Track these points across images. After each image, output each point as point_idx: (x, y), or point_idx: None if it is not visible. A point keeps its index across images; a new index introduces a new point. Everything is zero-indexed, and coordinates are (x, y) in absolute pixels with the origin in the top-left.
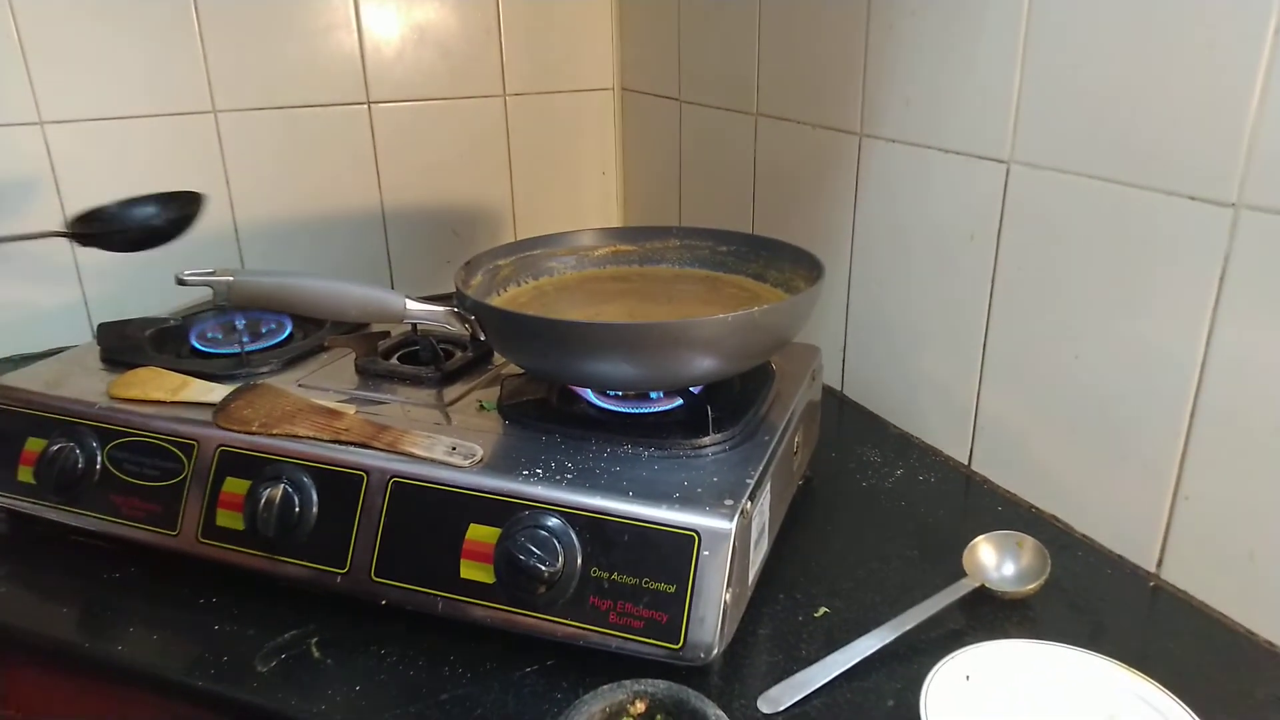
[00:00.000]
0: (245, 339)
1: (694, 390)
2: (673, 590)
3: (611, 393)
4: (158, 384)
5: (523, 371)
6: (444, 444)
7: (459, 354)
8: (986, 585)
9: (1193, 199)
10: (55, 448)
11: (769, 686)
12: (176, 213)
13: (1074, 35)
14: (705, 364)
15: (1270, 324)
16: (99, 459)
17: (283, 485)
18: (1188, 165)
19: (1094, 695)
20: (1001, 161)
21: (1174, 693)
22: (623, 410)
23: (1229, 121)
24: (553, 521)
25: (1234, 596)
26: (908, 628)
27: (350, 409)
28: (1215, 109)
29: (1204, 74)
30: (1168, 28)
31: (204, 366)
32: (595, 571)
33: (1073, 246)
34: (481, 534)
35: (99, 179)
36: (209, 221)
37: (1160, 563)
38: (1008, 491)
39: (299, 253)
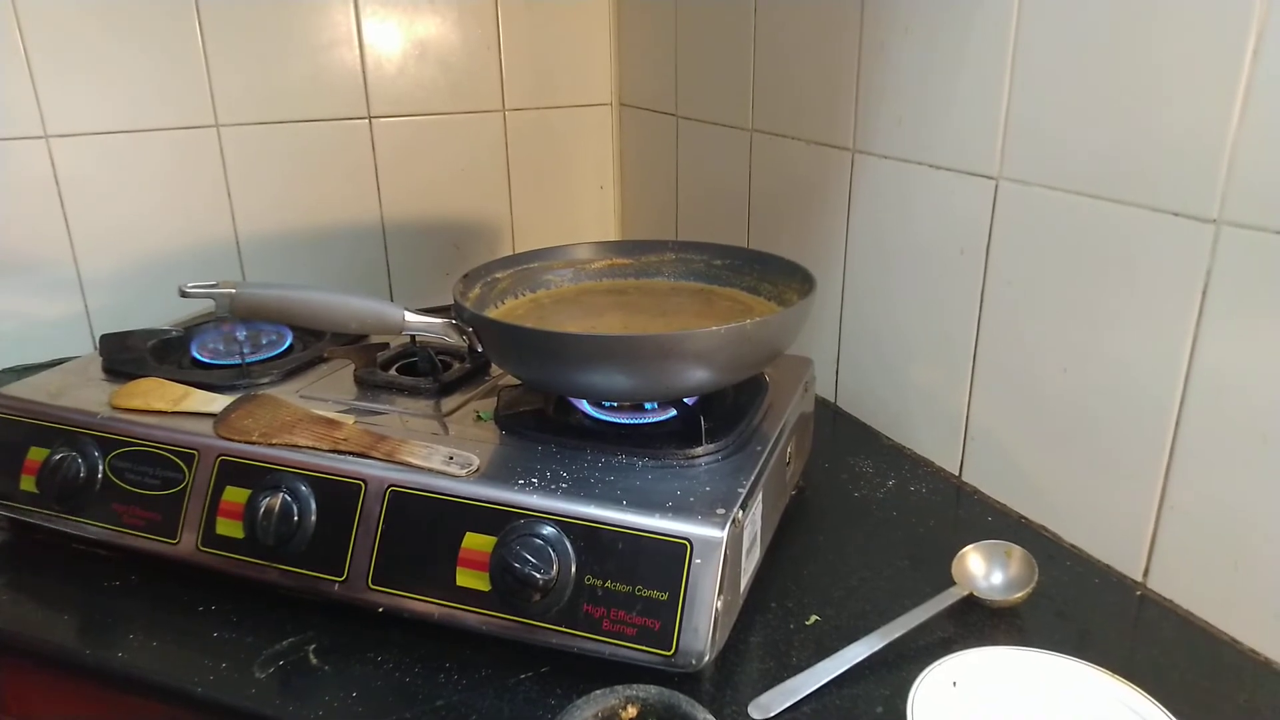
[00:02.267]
0: (246, 350)
1: (688, 401)
2: (665, 598)
3: (607, 404)
4: (159, 394)
5: (519, 383)
6: (441, 454)
7: (457, 365)
8: (975, 594)
9: (1176, 215)
10: (57, 457)
11: (760, 693)
12: None
13: (1060, 54)
14: (699, 375)
15: (1251, 337)
16: (100, 468)
17: (282, 494)
18: (1170, 182)
19: (1079, 702)
20: (990, 178)
21: (1159, 699)
22: (617, 421)
23: (1210, 139)
24: (548, 530)
25: (1219, 605)
26: (897, 635)
27: (349, 419)
28: (1197, 126)
29: (1186, 92)
30: (1151, 47)
31: (205, 377)
32: (589, 579)
33: (1060, 261)
34: (477, 542)
35: (103, 193)
36: (211, 234)
37: (1146, 572)
38: (997, 502)
39: (300, 265)
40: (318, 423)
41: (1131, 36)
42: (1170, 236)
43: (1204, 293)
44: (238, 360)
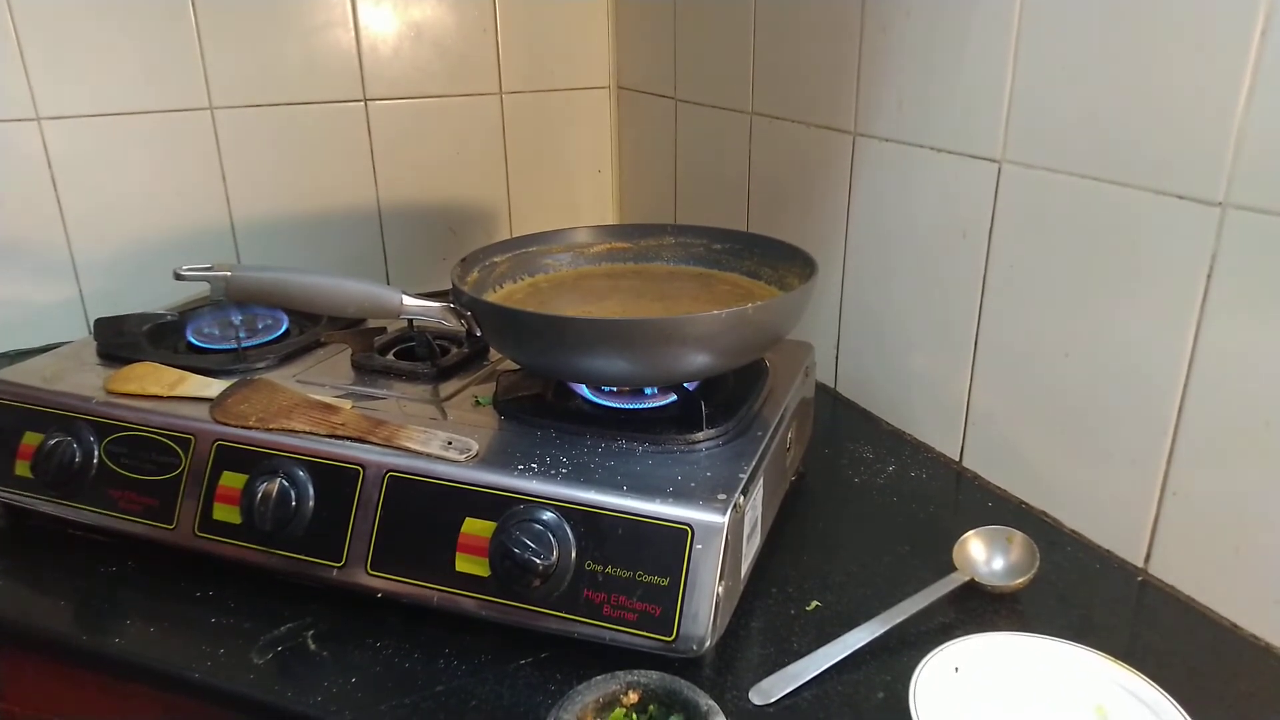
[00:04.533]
0: (242, 334)
1: (688, 386)
2: (666, 583)
3: (606, 388)
4: (155, 379)
5: (518, 367)
6: (440, 439)
7: (455, 350)
8: (976, 580)
9: (1181, 198)
10: (52, 442)
11: (761, 678)
12: None
13: (1065, 36)
14: (699, 360)
15: (1256, 322)
16: (96, 453)
17: (279, 479)
18: (1176, 165)
19: (1081, 687)
20: (993, 161)
21: (1160, 685)
22: (617, 406)
23: (1216, 122)
24: (548, 515)
25: (1220, 591)
26: (898, 621)
27: (346, 404)
28: (1203, 109)
29: (1192, 75)
30: (1157, 29)
31: (201, 362)
32: (589, 565)
33: (1063, 244)
34: (477, 528)
35: (96, 175)
36: (205, 218)
37: (1148, 558)
38: (998, 487)
39: (295, 249)
40: (315, 407)
41: (1137, 17)
42: (1175, 220)
43: (1209, 276)
44: (233, 345)
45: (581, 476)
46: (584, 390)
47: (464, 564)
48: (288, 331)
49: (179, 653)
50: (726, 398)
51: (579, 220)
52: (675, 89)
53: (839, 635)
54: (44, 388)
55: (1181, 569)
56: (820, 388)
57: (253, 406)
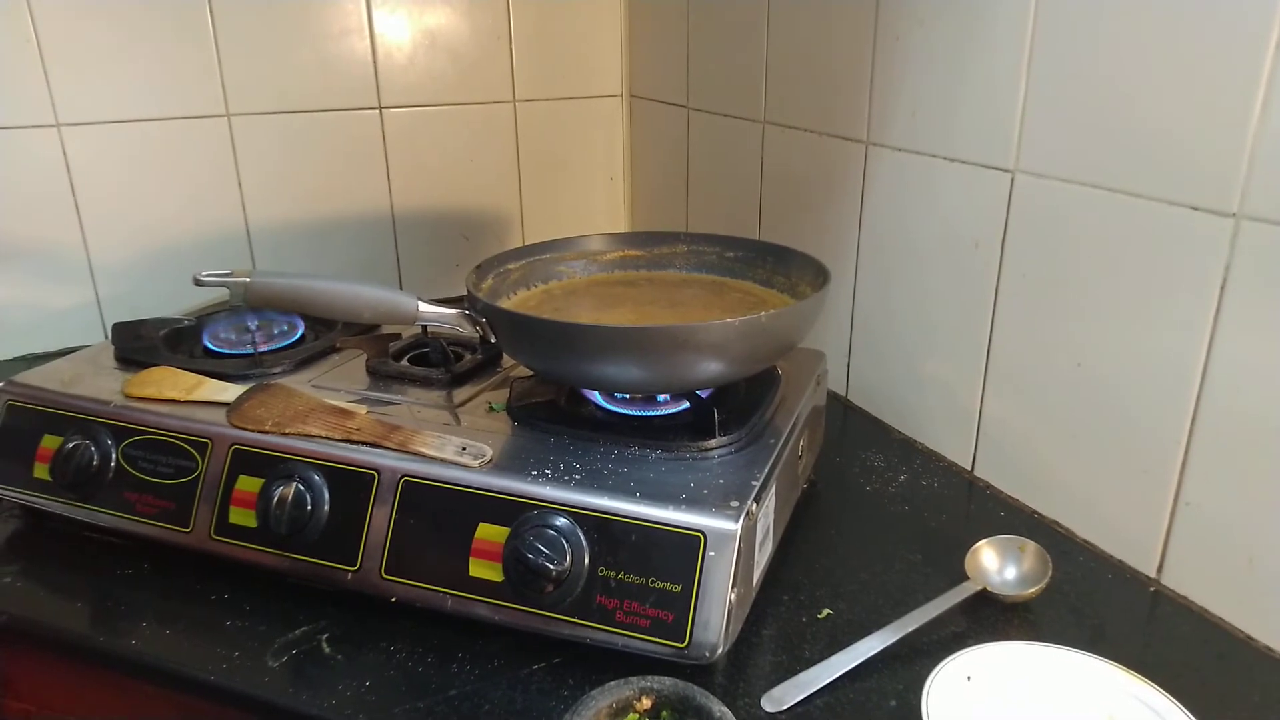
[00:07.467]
0: (258, 340)
1: (701, 394)
2: (678, 590)
3: (619, 395)
4: (172, 383)
5: (532, 374)
6: (454, 444)
7: (468, 356)
8: (988, 589)
9: (1195, 209)
10: (70, 445)
11: (773, 686)
12: None
13: (1079, 46)
14: (712, 367)
15: (1270, 333)
16: (113, 456)
17: (295, 483)
18: (1190, 176)
19: (1093, 697)
20: (1006, 170)
21: (1173, 695)
22: (630, 413)
23: (1231, 132)
24: (561, 521)
25: (1233, 601)
26: (910, 629)
27: (361, 409)
28: (1218, 120)
29: (1207, 85)
30: (1172, 39)
31: (217, 366)
32: (602, 571)
33: (1076, 255)
34: (490, 533)
35: (115, 181)
36: (221, 223)
37: (1161, 568)
38: (1010, 497)
39: (309, 255)
40: (330, 412)
41: (1152, 28)
42: (1189, 231)
43: (1222, 287)
44: (250, 350)
45: (595, 483)
46: (597, 397)
47: (478, 569)
48: (303, 337)
49: (194, 654)
50: (739, 405)
51: (591, 228)
52: (688, 97)
53: (851, 643)
54: (62, 391)
55: (1194, 580)
56: (831, 396)
57: (269, 411)
